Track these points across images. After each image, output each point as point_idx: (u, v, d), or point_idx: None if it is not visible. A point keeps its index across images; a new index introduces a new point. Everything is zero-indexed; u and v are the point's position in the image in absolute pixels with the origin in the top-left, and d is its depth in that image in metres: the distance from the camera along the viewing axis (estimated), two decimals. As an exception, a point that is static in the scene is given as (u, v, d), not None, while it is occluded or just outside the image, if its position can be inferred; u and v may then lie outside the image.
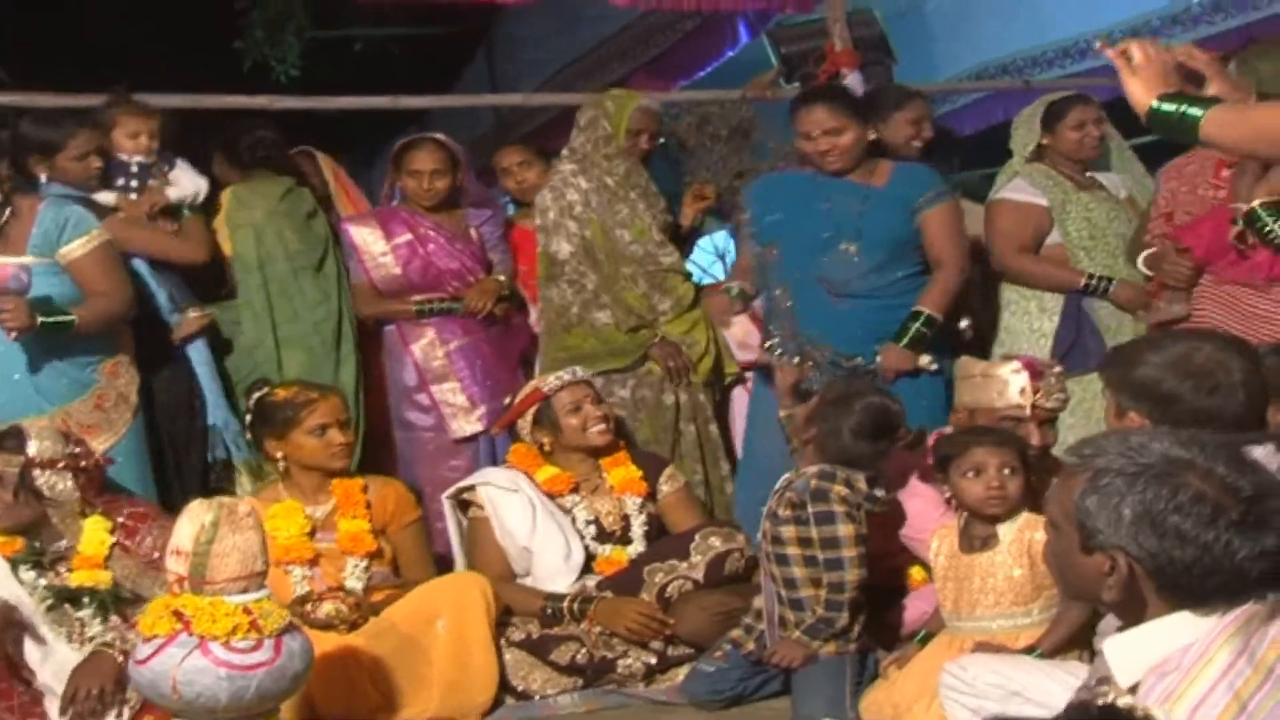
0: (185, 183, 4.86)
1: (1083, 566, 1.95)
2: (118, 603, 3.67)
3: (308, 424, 4.14)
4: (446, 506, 4.39)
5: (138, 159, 4.76)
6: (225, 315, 4.91)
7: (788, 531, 3.71)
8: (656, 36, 8.03)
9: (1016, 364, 3.89)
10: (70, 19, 7.28)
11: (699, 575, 4.09)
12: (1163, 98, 2.68)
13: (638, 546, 4.28)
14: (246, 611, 2.98)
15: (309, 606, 3.84)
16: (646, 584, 4.09)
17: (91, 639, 3.61)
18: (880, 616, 3.94)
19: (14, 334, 4.08)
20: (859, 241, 4.58)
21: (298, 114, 5.66)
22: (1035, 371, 3.85)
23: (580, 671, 3.99)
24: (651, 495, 4.38)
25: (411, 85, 6.86)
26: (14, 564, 3.69)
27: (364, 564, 4.11)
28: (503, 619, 4.03)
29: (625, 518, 4.32)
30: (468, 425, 4.97)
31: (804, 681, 3.66)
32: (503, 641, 3.96)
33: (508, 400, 4.56)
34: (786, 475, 3.85)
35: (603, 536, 4.29)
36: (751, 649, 3.80)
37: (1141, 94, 2.71)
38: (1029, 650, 3.30)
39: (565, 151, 5.14)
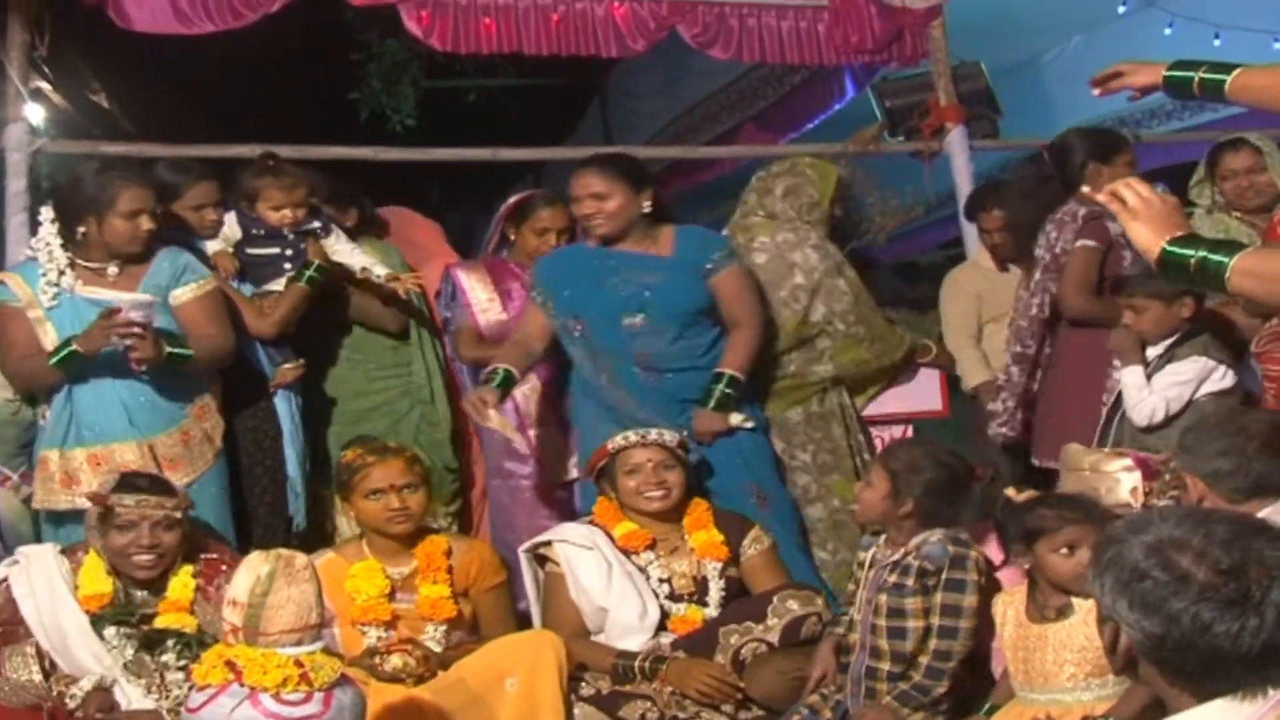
0: (342, 253, 4.96)
1: (1103, 635, 1.94)
2: (202, 646, 3.70)
3: (362, 488, 4.10)
4: (524, 560, 4.37)
5: (289, 226, 4.87)
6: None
7: (912, 604, 3.59)
8: (764, 90, 8.04)
9: (1128, 461, 3.81)
10: (192, 72, 7.47)
11: (773, 638, 4.01)
12: (1174, 241, 2.55)
13: (713, 611, 4.20)
14: (298, 664, 2.98)
15: (377, 659, 3.83)
16: (721, 645, 4.02)
17: (168, 689, 3.69)
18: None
19: (142, 365, 4.21)
20: (653, 313, 4.57)
21: (414, 164, 5.76)
22: (1149, 471, 3.76)
23: None
24: (734, 558, 4.30)
25: (526, 136, 6.96)
26: (98, 621, 3.77)
27: (443, 629, 4.06)
28: (574, 674, 3.97)
29: (701, 581, 4.24)
30: (563, 472, 4.99)
31: (880, 750, 3.55)
32: (573, 697, 3.90)
33: None
34: (901, 546, 3.68)
35: (674, 598, 4.22)
36: (829, 717, 3.73)
37: (1148, 238, 2.58)
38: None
39: (758, 217, 5.10)
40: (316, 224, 4.91)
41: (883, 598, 3.64)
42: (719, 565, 4.25)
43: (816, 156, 5.86)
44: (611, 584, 4.18)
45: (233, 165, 5.25)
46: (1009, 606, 3.52)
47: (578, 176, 4.62)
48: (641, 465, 4.27)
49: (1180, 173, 5.40)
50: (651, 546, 4.28)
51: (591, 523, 4.36)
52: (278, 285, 4.81)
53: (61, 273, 4.33)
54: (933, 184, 6.31)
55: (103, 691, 3.65)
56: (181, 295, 4.43)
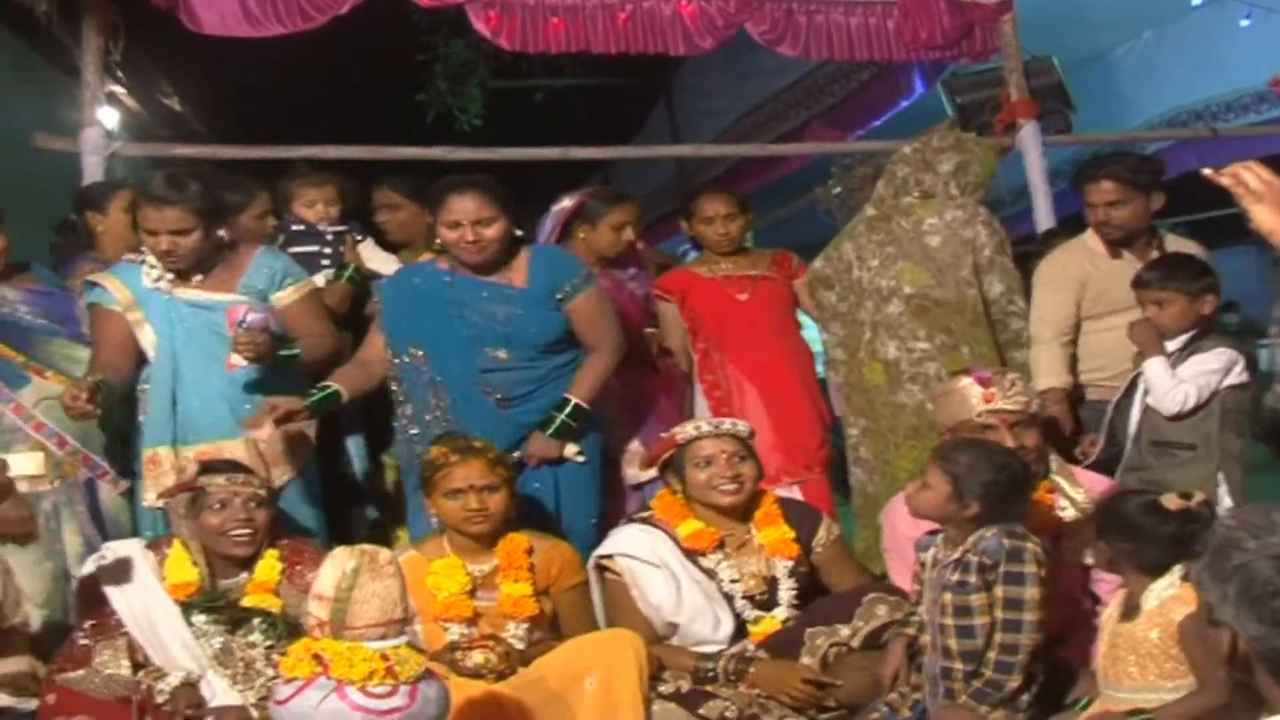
0: (376, 260, 5.06)
1: (1207, 639, 1.88)
2: (287, 627, 3.80)
3: (443, 486, 4.08)
4: (592, 574, 4.26)
5: (327, 226, 5.03)
6: None
7: (977, 600, 3.54)
8: (832, 86, 8.00)
9: (967, 379, 4.14)
10: (261, 75, 7.54)
11: (857, 643, 3.96)
12: None
13: (784, 612, 4.14)
14: (384, 658, 3.00)
15: (459, 654, 3.84)
16: (808, 647, 3.97)
17: (253, 677, 3.73)
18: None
19: (250, 362, 4.30)
20: (514, 348, 4.44)
21: (479, 164, 5.77)
22: (983, 380, 4.09)
23: None
24: (805, 553, 4.23)
25: (593, 136, 6.96)
26: (186, 608, 3.84)
27: (524, 627, 4.05)
28: (654, 672, 3.92)
29: (771, 581, 4.16)
30: (642, 474, 4.93)
31: (967, 750, 3.52)
32: (652, 694, 3.87)
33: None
34: (960, 545, 3.62)
35: (746, 598, 4.14)
36: (908, 716, 3.69)
37: (1273, 221, 2.53)
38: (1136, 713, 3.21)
39: (913, 196, 5.05)
40: (345, 228, 5.05)
41: (948, 597, 3.59)
42: (789, 564, 4.18)
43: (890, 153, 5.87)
44: (682, 600, 4.10)
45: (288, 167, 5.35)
46: (1115, 604, 3.51)
47: (460, 199, 4.39)
48: (715, 457, 4.16)
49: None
50: (720, 545, 4.19)
51: (651, 520, 4.25)
52: (318, 281, 4.91)
53: (161, 276, 4.41)
54: (1004, 180, 6.25)
55: (190, 687, 3.71)
56: (284, 297, 4.52)
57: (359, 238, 5.08)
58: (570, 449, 4.51)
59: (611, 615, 4.21)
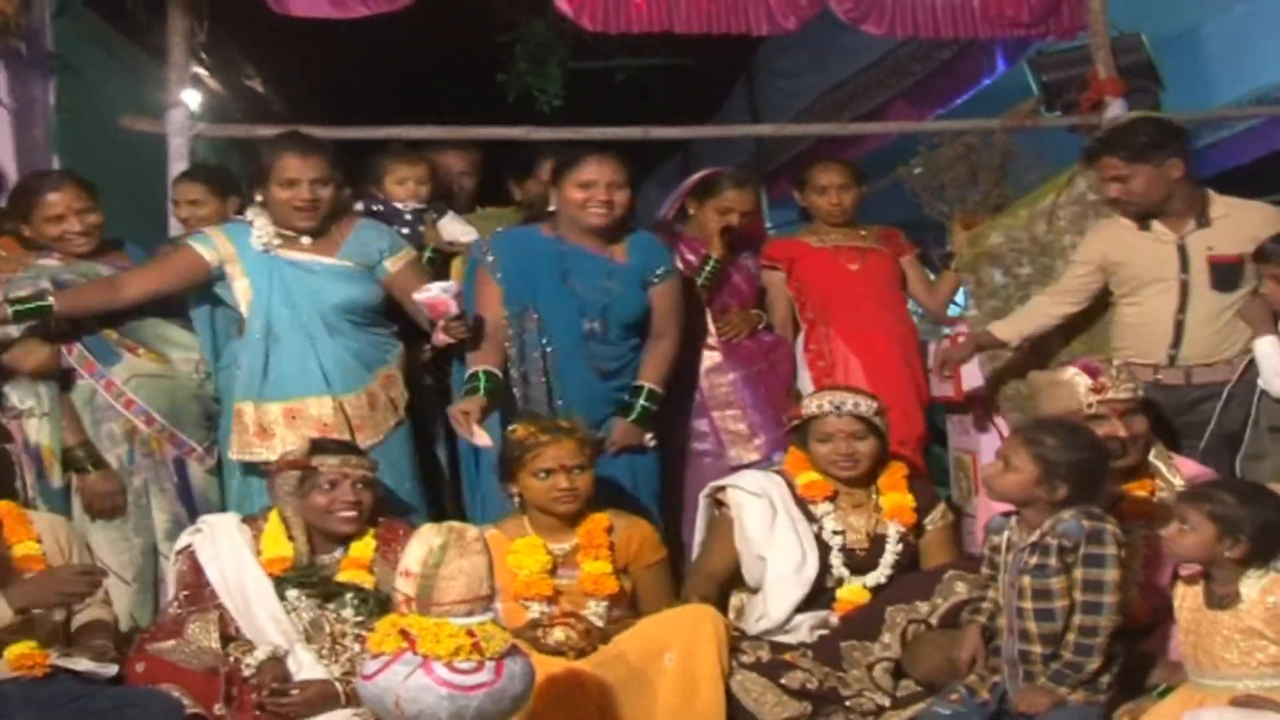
0: (455, 231, 5.07)
1: None
2: (378, 603, 3.86)
3: (532, 466, 4.15)
4: (701, 505, 4.45)
5: (411, 205, 5.04)
6: None
7: (1057, 584, 3.54)
8: (913, 65, 7.93)
9: (1073, 369, 4.18)
10: (343, 56, 7.60)
11: (935, 621, 3.99)
12: None
13: (882, 573, 4.22)
14: (470, 634, 3.06)
15: (540, 632, 3.88)
16: (888, 624, 4.02)
17: (339, 652, 3.79)
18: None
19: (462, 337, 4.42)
20: (603, 319, 4.59)
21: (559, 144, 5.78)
22: (1092, 370, 4.12)
23: (810, 697, 3.91)
24: (918, 528, 4.32)
25: (672, 116, 6.94)
26: (280, 583, 3.91)
27: (604, 605, 4.11)
28: (734, 644, 3.98)
29: (877, 540, 4.26)
30: (745, 454, 5.01)
31: (1045, 728, 3.50)
32: (733, 663, 3.91)
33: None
34: (1037, 528, 3.60)
35: (846, 552, 4.24)
36: (987, 698, 3.67)
37: None
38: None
39: None
40: (424, 207, 5.09)
41: (1026, 580, 3.58)
42: (901, 529, 4.27)
43: (974, 132, 5.83)
44: (774, 532, 4.22)
45: (371, 148, 5.37)
46: (1188, 590, 3.46)
47: (596, 162, 4.58)
48: (834, 434, 4.29)
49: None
50: (832, 498, 4.29)
51: (777, 471, 4.40)
52: None
53: (268, 236, 4.52)
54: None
55: (276, 661, 3.77)
56: (392, 267, 4.61)
57: (435, 217, 5.10)
58: (649, 437, 4.64)
59: (703, 549, 4.40)
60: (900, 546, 4.26)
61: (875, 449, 4.32)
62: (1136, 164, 4.65)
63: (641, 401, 4.59)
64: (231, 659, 3.76)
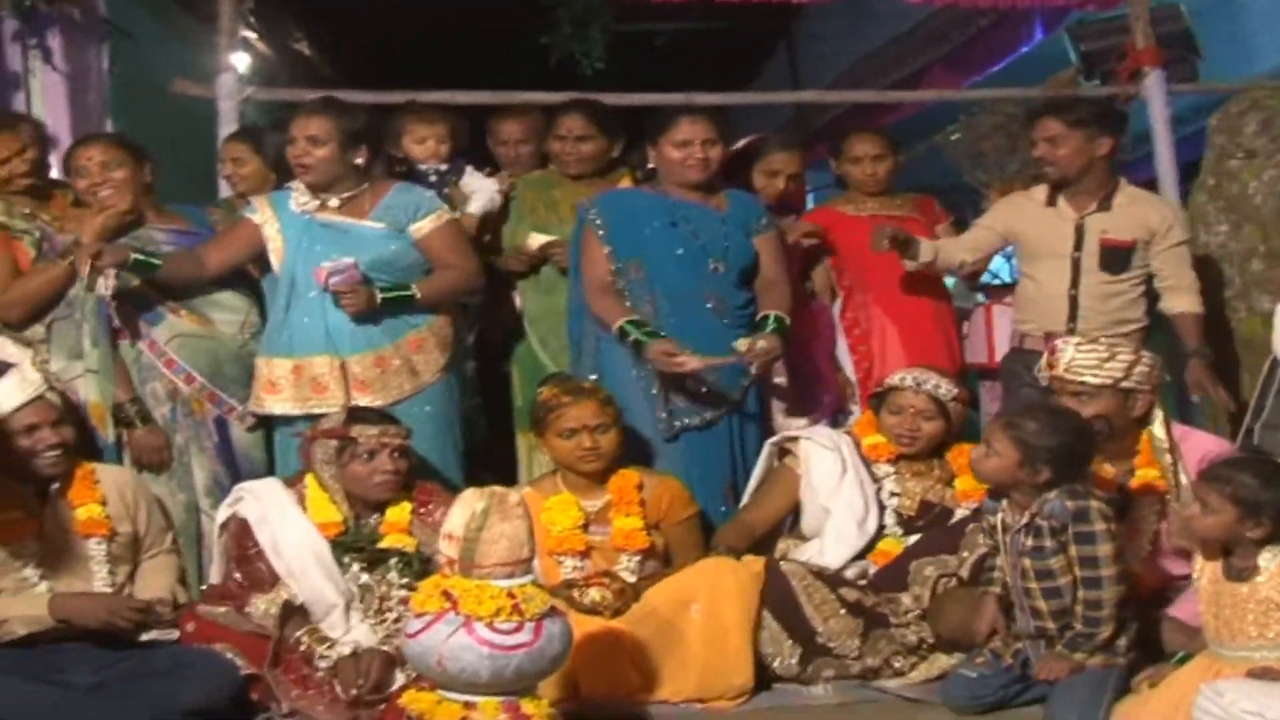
0: (475, 186, 5.13)
1: None
2: (422, 563, 3.95)
3: (556, 426, 4.25)
4: (764, 455, 4.57)
5: (433, 165, 5.09)
6: None
7: (1057, 563, 3.63)
8: (951, 32, 7.94)
9: (1058, 340, 4.21)
10: (387, 20, 7.65)
11: (965, 573, 4.07)
12: None
13: None
14: (510, 595, 3.15)
15: (575, 592, 3.97)
16: (915, 577, 4.12)
17: (385, 613, 3.90)
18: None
19: (355, 311, 4.43)
20: (725, 261, 4.70)
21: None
22: (1050, 348, 4.17)
23: (862, 613, 4.03)
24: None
25: (713, 79, 6.96)
26: (335, 547, 3.99)
27: (637, 559, 4.21)
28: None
29: (925, 506, 4.38)
30: (789, 421, 5.02)
31: (1064, 690, 3.58)
32: (765, 613, 3.98)
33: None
34: (1026, 509, 3.69)
35: (898, 513, 4.38)
36: (1010, 663, 3.76)
37: None
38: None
39: (1237, 159, 5.31)
40: (447, 168, 5.12)
41: (1027, 562, 3.68)
42: (966, 514, 4.31)
43: (1013, 100, 5.86)
44: (841, 486, 4.35)
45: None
46: (1211, 566, 3.48)
47: (690, 121, 4.74)
48: (905, 408, 4.40)
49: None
50: (894, 462, 4.43)
51: (847, 431, 4.57)
52: None
53: (307, 200, 4.57)
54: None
55: (355, 658, 3.77)
56: (422, 228, 4.60)
57: (456, 178, 5.13)
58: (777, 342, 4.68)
59: (752, 499, 4.53)
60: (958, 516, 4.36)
61: (939, 431, 4.41)
62: (1072, 130, 4.84)
63: (772, 324, 4.65)
64: (304, 645, 3.81)
